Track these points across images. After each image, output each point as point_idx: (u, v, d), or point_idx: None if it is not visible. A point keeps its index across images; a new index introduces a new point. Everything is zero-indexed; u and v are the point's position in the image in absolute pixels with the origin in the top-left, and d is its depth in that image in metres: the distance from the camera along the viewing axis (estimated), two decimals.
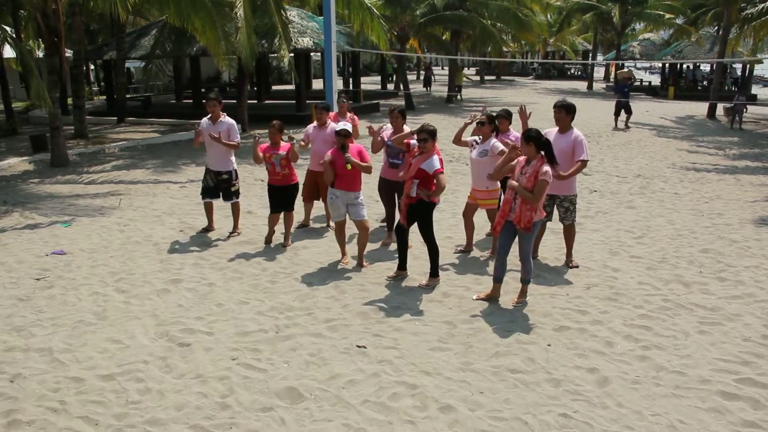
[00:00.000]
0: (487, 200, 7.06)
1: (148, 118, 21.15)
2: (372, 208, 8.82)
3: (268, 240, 7.79)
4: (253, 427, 3.99)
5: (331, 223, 8.52)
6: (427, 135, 6.06)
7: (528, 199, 5.55)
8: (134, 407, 4.22)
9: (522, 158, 5.76)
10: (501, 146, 6.75)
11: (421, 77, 49.06)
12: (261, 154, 7.46)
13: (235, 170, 8.08)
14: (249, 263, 7.08)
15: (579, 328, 5.37)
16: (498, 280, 5.99)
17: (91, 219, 9.06)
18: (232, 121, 7.95)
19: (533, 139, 5.57)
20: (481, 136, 7.01)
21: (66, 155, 13.50)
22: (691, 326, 5.41)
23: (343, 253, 7.08)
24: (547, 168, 5.54)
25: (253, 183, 11.38)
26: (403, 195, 6.27)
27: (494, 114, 7.06)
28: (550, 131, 6.77)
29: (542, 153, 5.59)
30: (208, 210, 8.27)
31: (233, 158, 8.02)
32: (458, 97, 29.18)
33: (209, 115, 7.89)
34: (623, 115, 19.70)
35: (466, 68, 62.45)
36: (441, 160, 6.10)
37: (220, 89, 29.43)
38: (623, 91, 19.66)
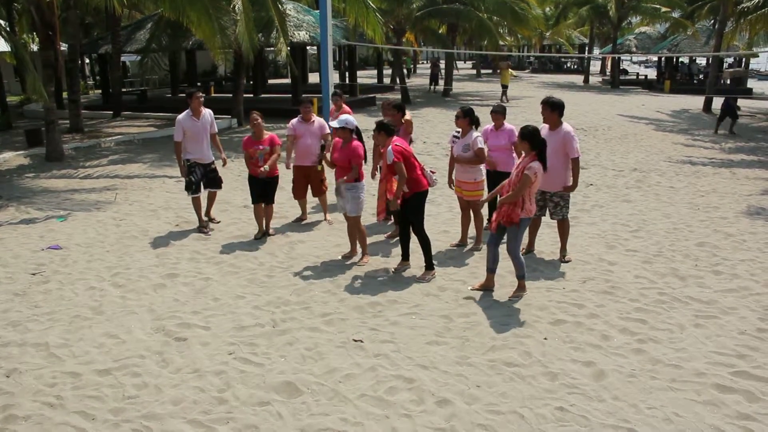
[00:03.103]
0: (474, 192, 7.06)
1: (143, 113, 21.09)
2: (368, 201, 8.79)
3: (258, 236, 7.78)
4: (250, 422, 4.00)
5: (328, 217, 8.53)
6: (376, 128, 6.28)
7: (509, 200, 5.65)
8: (131, 402, 4.22)
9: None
10: (482, 141, 6.89)
11: (415, 73, 48.87)
12: (246, 152, 7.49)
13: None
14: (245, 258, 7.08)
15: (575, 322, 5.38)
16: (491, 270, 6.02)
17: (87, 213, 9.03)
18: (211, 111, 8.12)
19: (526, 136, 5.65)
20: (459, 130, 7.02)
21: (61, 149, 13.45)
22: (686, 319, 5.43)
23: (350, 249, 7.09)
24: (533, 164, 5.57)
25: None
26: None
27: (469, 108, 7.02)
28: (543, 128, 6.76)
29: (535, 152, 5.65)
30: (198, 205, 8.23)
31: None
32: (504, 99, 25.47)
33: (188, 111, 7.87)
34: (723, 116, 17.50)
35: (462, 62, 62.10)
36: (396, 150, 6.09)
37: (217, 83, 29.38)
38: (732, 91, 18.38)
